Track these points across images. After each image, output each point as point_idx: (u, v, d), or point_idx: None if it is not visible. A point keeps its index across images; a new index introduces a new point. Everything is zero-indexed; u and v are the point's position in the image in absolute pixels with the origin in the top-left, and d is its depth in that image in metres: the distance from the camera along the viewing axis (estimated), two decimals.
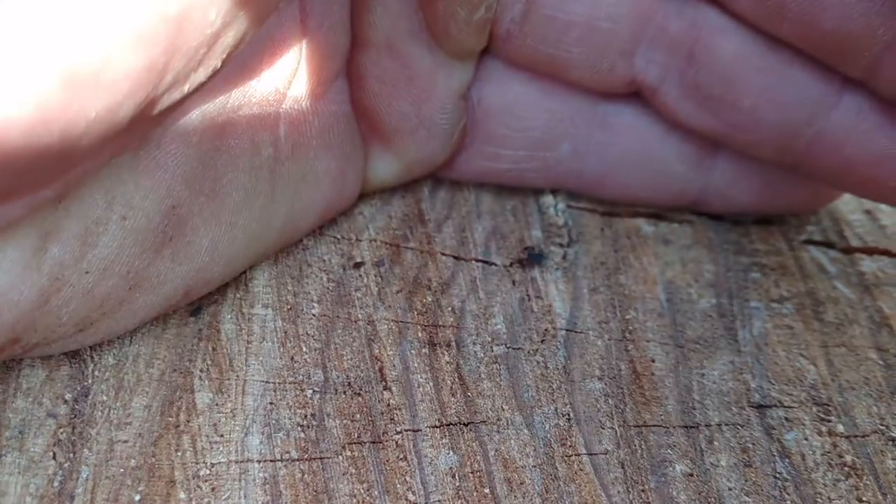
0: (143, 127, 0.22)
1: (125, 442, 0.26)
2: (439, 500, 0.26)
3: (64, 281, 0.23)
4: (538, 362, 0.29)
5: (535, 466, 0.27)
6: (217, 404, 0.27)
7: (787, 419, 0.29)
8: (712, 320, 0.32)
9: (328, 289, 0.30)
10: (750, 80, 0.29)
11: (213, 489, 0.25)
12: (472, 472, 0.26)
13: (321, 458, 0.26)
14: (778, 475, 0.27)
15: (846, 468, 0.28)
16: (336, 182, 0.30)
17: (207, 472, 0.25)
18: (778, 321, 0.32)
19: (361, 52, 0.29)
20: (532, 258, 0.33)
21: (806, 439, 0.28)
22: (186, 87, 0.21)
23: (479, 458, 0.27)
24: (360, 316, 0.30)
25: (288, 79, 0.27)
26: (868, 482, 0.27)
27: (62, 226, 0.23)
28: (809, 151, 0.30)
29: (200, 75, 0.21)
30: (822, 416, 0.29)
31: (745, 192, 0.34)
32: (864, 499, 0.27)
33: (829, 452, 0.28)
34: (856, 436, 0.29)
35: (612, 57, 0.30)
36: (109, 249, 0.24)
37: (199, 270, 0.27)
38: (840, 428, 0.29)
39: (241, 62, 0.26)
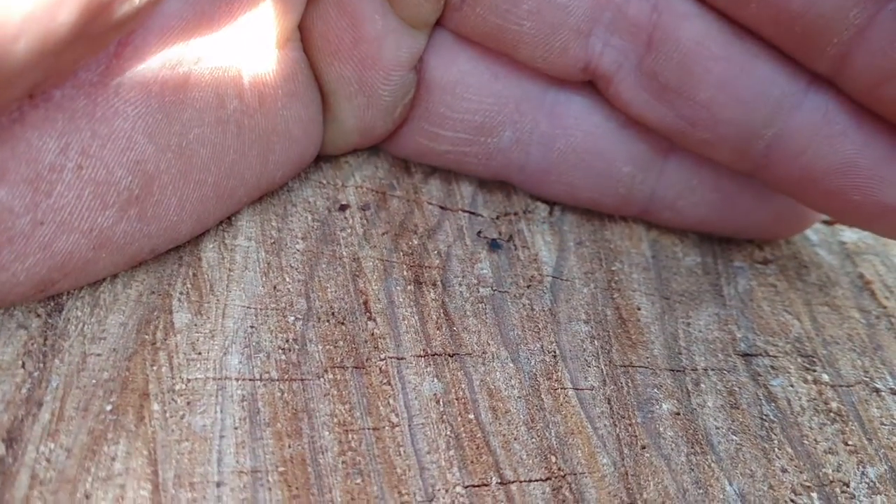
0: (94, 43, 0.21)
1: (98, 355, 0.25)
2: (423, 424, 0.25)
3: (15, 230, 0.22)
4: (524, 304, 0.29)
5: (520, 397, 0.26)
6: (196, 325, 0.26)
7: (772, 367, 0.29)
8: (697, 276, 0.32)
9: (313, 227, 0.30)
10: (710, 69, 0.27)
11: (188, 403, 0.24)
12: (456, 399, 0.26)
13: (302, 380, 0.25)
14: (765, 417, 0.27)
15: (832, 414, 0.27)
16: (308, 129, 0.29)
17: (183, 386, 0.24)
18: (762, 279, 0.32)
19: (312, 3, 0.28)
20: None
21: (792, 386, 0.28)
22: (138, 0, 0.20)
23: (463, 386, 0.26)
24: (344, 253, 0.29)
25: (247, 28, 0.26)
26: (853, 427, 0.27)
27: (8, 167, 0.21)
28: (768, 156, 0.28)
29: None
30: (807, 366, 0.29)
31: (698, 207, 0.32)
32: (849, 442, 0.27)
33: (814, 399, 0.28)
34: (840, 385, 0.28)
35: (565, 35, 0.28)
36: (66, 200, 0.22)
37: (168, 229, 0.26)
38: (825, 377, 0.29)
39: (199, 10, 0.25)
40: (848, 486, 0.26)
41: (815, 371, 0.29)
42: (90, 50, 0.21)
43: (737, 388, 0.28)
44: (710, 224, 0.32)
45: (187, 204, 0.26)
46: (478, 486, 0.24)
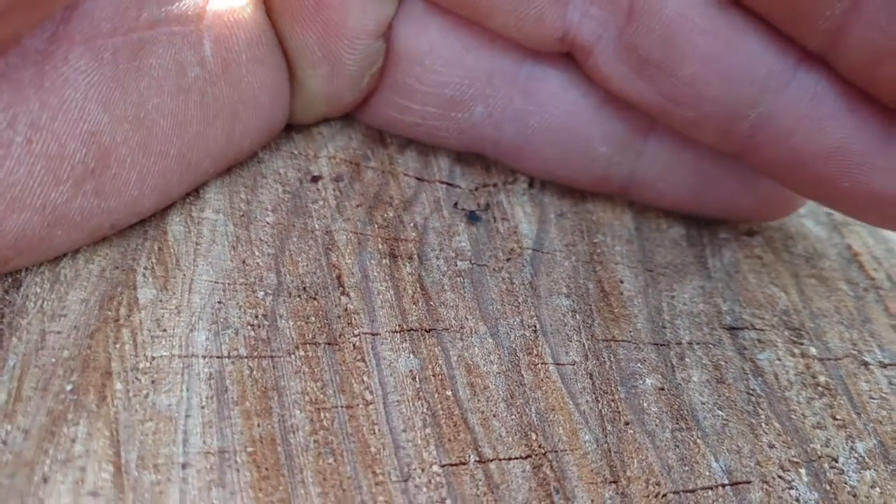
0: (33, 10, 0.20)
1: (58, 333, 0.23)
2: (398, 401, 0.24)
3: None
4: (503, 278, 0.28)
5: (499, 373, 0.25)
6: (161, 300, 0.25)
7: (759, 341, 0.28)
8: (682, 248, 0.31)
9: (283, 199, 0.29)
10: (693, 44, 0.26)
11: (152, 381, 0.23)
12: (433, 375, 0.25)
13: (272, 357, 0.24)
14: (752, 392, 0.26)
15: (820, 388, 0.27)
16: (275, 96, 0.28)
17: (147, 364, 0.23)
18: (748, 251, 0.31)
19: None
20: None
21: (779, 360, 0.27)
22: None
23: (440, 362, 0.25)
24: (316, 226, 0.28)
25: None
26: (842, 402, 0.26)
27: None
28: (753, 137, 0.27)
29: None
30: (795, 339, 0.28)
31: (679, 188, 0.31)
32: (838, 417, 0.26)
33: (802, 373, 0.27)
34: (828, 358, 0.28)
35: (540, 3, 0.26)
36: (16, 176, 0.21)
37: (128, 204, 0.25)
38: (813, 351, 0.28)
39: None
40: (837, 462, 0.25)
41: (802, 344, 0.28)
42: (30, 18, 0.20)
43: (723, 363, 0.27)
44: (692, 206, 0.31)
45: (149, 177, 0.25)
46: (455, 464, 0.23)
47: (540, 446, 0.24)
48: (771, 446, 0.25)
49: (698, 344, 0.27)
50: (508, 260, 0.29)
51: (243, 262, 0.26)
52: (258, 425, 0.23)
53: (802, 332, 0.28)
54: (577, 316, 0.27)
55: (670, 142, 0.30)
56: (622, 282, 0.29)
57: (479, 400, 0.24)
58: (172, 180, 0.26)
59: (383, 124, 0.31)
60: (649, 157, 0.30)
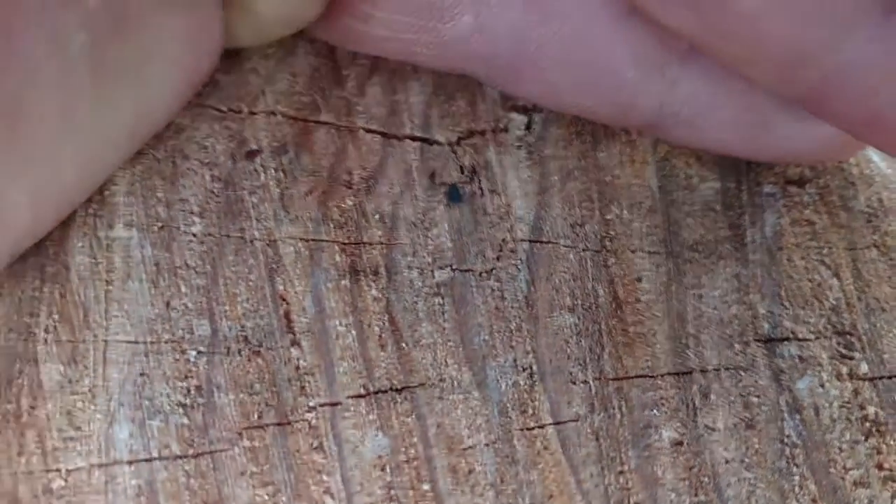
0: None
1: None
2: (366, 503, 0.20)
3: None
4: (493, 290, 0.23)
5: (487, 445, 0.21)
6: (71, 381, 0.20)
7: (800, 359, 0.23)
8: (715, 214, 0.25)
9: (213, 192, 0.22)
10: None
11: None
12: (406, 462, 0.21)
13: (212, 452, 0.20)
14: (786, 440, 0.22)
15: (867, 423, 0.23)
16: (193, 42, 0.21)
17: (62, 483, 0.19)
18: (796, 213, 0.25)
19: None
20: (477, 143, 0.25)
21: (822, 387, 0.23)
22: None
23: (416, 439, 0.21)
24: (256, 234, 0.22)
25: None
26: (892, 442, 0.22)
27: None
28: (825, 88, 0.20)
29: None
30: (844, 351, 0.23)
31: (723, 127, 0.24)
32: (885, 466, 0.22)
33: (848, 403, 0.23)
34: (881, 377, 0.23)
35: None
36: None
37: (18, 233, 0.19)
38: (863, 368, 0.23)
39: None
40: None
41: (852, 358, 0.23)
42: None
43: (754, 398, 0.23)
44: (737, 148, 0.24)
45: (42, 201, 0.19)
46: None
47: None
48: None
49: (727, 370, 0.23)
50: (498, 258, 0.23)
51: (167, 304, 0.21)
52: None
53: (853, 339, 0.23)
54: (583, 342, 0.23)
55: (717, 68, 0.23)
56: (640, 280, 0.24)
57: (462, 491, 0.21)
58: (62, 195, 0.20)
59: (342, 39, 0.24)
60: (688, 87, 0.23)
